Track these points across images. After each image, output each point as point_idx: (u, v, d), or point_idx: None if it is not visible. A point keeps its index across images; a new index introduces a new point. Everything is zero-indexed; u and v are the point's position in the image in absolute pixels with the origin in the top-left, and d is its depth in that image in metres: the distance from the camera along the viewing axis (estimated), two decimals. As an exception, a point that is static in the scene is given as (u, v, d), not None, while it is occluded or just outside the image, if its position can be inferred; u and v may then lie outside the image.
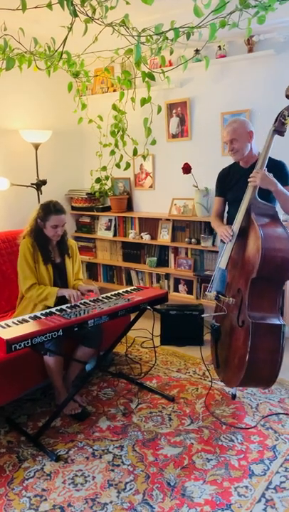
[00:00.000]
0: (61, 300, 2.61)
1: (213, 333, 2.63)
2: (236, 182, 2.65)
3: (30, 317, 2.35)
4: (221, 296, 2.57)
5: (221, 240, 2.62)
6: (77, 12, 2.27)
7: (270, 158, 2.55)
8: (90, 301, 2.60)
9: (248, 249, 2.35)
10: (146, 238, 4.09)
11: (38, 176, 3.88)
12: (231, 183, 2.75)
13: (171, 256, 4.04)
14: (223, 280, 2.72)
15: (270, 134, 2.43)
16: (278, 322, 2.27)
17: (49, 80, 3.40)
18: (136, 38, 2.55)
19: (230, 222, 2.68)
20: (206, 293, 2.68)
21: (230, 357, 2.47)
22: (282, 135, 2.44)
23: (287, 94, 2.40)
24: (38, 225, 2.70)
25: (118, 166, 4.07)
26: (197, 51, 3.51)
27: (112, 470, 2.13)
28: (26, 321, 2.29)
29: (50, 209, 2.67)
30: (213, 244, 3.68)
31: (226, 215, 2.90)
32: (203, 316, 2.61)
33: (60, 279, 2.77)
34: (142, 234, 4.15)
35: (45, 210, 2.67)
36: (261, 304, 2.31)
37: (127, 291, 2.81)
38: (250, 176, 2.43)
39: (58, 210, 2.68)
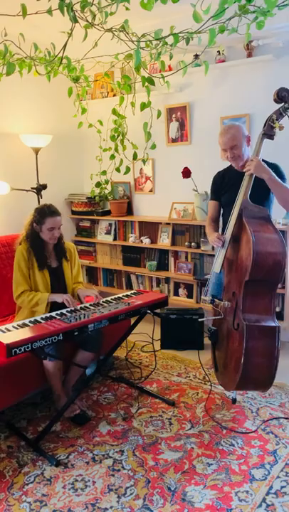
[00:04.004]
0: (56, 305, 2.61)
1: (210, 337, 2.64)
2: (231, 185, 2.67)
3: (30, 321, 2.35)
4: (216, 299, 2.58)
5: None
6: (77, 18, 2.29)
7: (265, 161, 2.60)
8: (90, 305, 2.60)
9: (241, 253, 2.38)
10: (146, 242, 4.10)
11: (38, 181, 3.89)
12: (227, 186, 2.77)
13: (171, 260, 4.05)
14: (219, 284, 2.73)
15: (259, 138, 2.48)
16: (273, 324, 2.28)
17: (49, 85, 3.41)
18: (136, 43, 2.56)
19: (224, 225, 2.71)
20: (202, 297, 2.69)
21: (227, 360, 2.48)
22: (272, 138, 2.47)
23: (275, 99, 2.43)
24: (33, 230, 2.70)
25: (118, 170, 4.08)
26: (196, 56, 3.53)
27: (113, 475, 2.12)
28: (26, 326, 2.29)
29: (45, 212, 2.67)
30: (213, 249, 3.68)
31: (221, 218, 2.92)
32: (200, 320, 2.62)
33: (58, 283, 2.76)
34: (141, 238, 4.15)
35: (40, 214, 2.67)
36: (255, 307, 2.32)
37: (127, 295, 2.81)
38: (246, 164, 2.46)
39: (53, 212, 2.68)
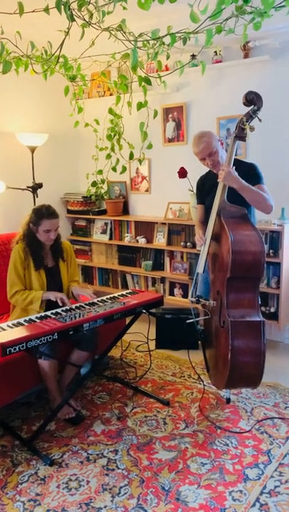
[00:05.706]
0: (52, 304, 2.60)
1: (199, 337, 2.66)
2: (212, 188, 2.69)
3: (25, 320, 2.35)
4: (202, 300, 2.60)
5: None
6: (74, 16, 2.29)
7: (242, 161, 2.71)
8: (86, 304, 2.60)
9: (221, 252, 2.42)
10: (141, 242, 4.10)
11: (34, 179, 3.88)
12: (208, 190, 2.82)
13: (167, 260, 4.05)
14: (206, 283, 2.75)
15: (232, 141, 2.53)
16: (258, 319, 2.31)
17: (46, 84, 3.40)
18: (133, 42, 2.56)
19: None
20: (189, 298, 2.72)
21: (216, 359, 2.50)
22: (244, 140, 2.55)
23: (244, 102, 2.49)
24: (30, 230, 2.68)
25: (114, 169, 4.08)
26: (193, 56, 3.53)
27: (107, 474, 2.12)
28: (21, 325, 2.28)
29: (42, 213, 2.64)
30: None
31: None
32: (187, 321, 2.65)
33: (54, 283, 2.75)
34: (137, 237, 4.15)
35: (37, 215, 2.65)
36: (239, 303, 2.36)
37: (122, 295, 2.81)
38: (218, 173, 2.52)
39: (50, 214, 2.65)
